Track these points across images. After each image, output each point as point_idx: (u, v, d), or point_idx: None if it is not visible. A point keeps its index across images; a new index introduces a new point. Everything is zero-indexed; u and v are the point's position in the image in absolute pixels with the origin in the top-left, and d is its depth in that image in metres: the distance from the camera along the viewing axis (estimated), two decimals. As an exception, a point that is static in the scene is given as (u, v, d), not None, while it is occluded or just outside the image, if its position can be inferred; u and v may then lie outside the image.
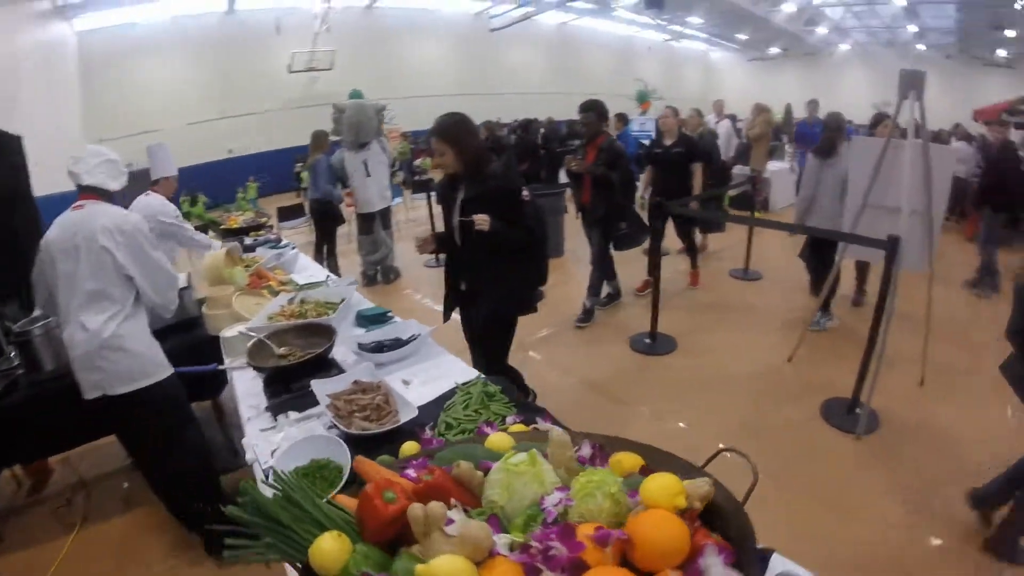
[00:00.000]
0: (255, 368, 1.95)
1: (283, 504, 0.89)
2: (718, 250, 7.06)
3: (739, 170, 8.61)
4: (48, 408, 2.39)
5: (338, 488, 1.30)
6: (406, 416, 1.62)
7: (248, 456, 1.59)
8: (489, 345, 2.76)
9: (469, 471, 0.97)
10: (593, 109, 4.57)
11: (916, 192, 3.44)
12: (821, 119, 6.59)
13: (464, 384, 1.84)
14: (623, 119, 8.74)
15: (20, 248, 2.96)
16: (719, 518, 0.85)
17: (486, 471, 0.98)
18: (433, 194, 9.26)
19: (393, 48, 16.54)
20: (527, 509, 0.88)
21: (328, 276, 3.48)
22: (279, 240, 4.60)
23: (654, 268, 4.47)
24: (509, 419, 1.52)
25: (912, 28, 17.85)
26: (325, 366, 2.01)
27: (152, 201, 3.48)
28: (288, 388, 1.87)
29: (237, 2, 13.32)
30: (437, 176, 4.16)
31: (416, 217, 9.31)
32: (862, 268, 5.09)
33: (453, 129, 2.46)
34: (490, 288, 2.62)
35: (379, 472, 1.04)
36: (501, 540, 0.81)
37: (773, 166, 8.93)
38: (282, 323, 2.35)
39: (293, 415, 1.71)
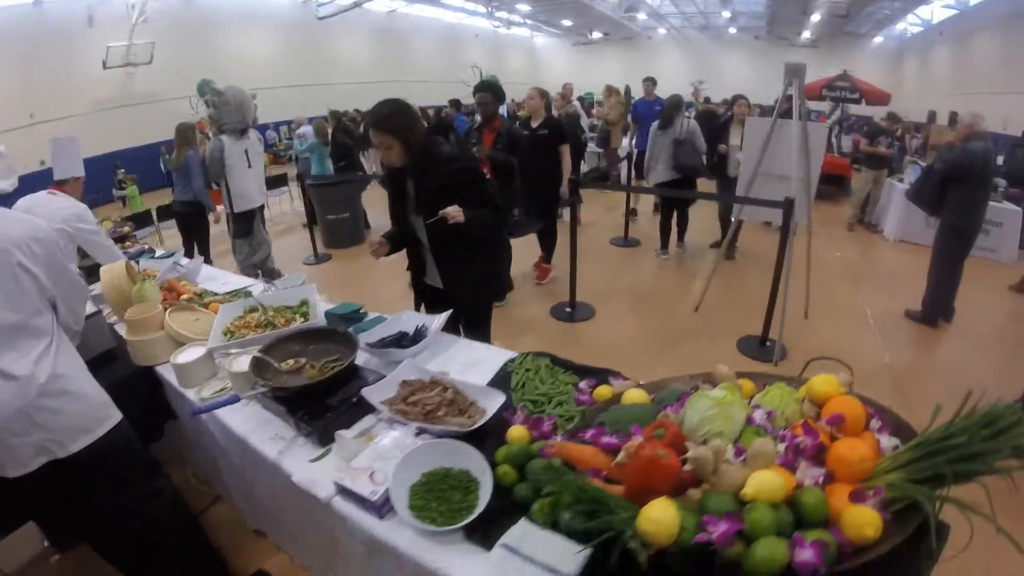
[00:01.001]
0: (278, 390, 1.59)
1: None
2: (591, 223, 7.45)
3: (591, 150, 9.11)
4: None
5: (477, 492, 1.22)
6: (494, 404, 1.47)
7: (321, 494, 1.31)
8: (474, 328, 2.55)
9: (675, 420, 1.14)
10: (489, 90, 4.36)
11: (801, 161, 4.03)
12: (660, 97, 7.09)
13: (514, 362, 1.80)
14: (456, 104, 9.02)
15: None
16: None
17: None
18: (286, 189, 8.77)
19: (216, 40, 15.02)
20: (739, 430, 1.07)
21: (256, 281, 3.06)
22: (152, 250, 3.94)
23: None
24: (583, 384, 1.57)
25: (725, 14, 19.89)
26: (351, 375, 1.69)
27: (66, 204, 2.87)
28: (327, 405, 1.54)
29: None
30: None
31: (276, 215, 8.70)
32: (736, 226, 5.60)
33: (397, 119, 2.17)
34: (470, 279, 2.42)
35: (579, 450, 1.12)
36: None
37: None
38: (252, 336, 1.99)
39: (347, 435, 1.42)
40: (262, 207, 5.12)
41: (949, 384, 3.55)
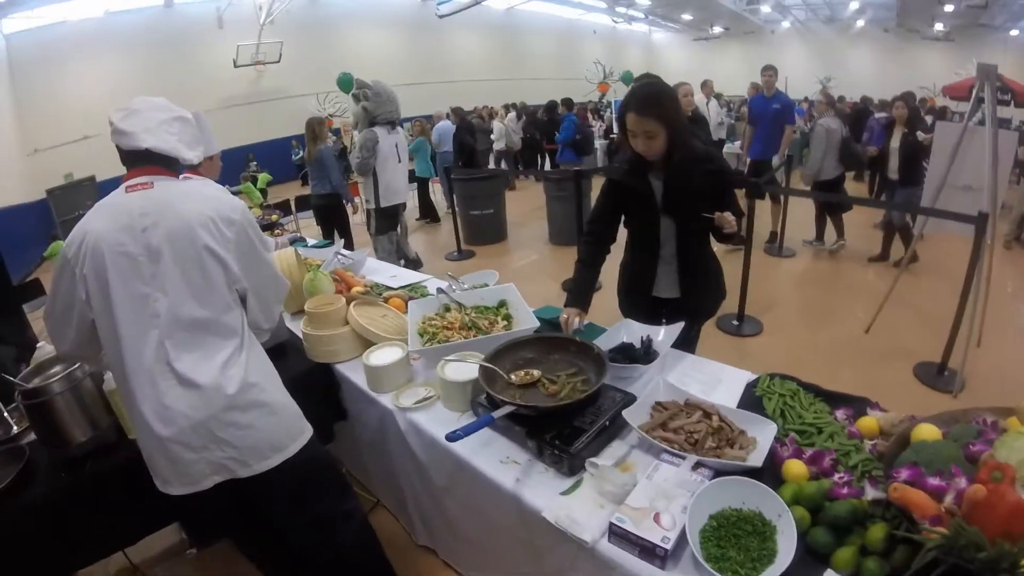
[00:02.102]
0: (531, 408, 1.40)
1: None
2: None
3: (728, 148, 8.66)
4: (87, 499, 1.58)
5: (775, 538, 1.06)
6: (766, 434, 1.28)
7: (586, 536, 1.12)
8: (692, 342, 2.28)
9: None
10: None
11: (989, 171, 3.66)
12: (781, 92, 6.27)
13: (759, 385, 1.60)
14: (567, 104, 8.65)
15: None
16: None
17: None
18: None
19: (339, 38, 15.77)
20: None
21: (432, 276, 2.95)
22: (303, 238, 4.00)
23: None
24: (839, 413, 1.44)
25: (853, 5, 18.58)
26: (598, 396, 1.47)
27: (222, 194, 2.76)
28: (576, 428, 1.34)
29: None
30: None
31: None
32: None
33: (668, 103, 1.85)
34: (708, 287, 2.20)
35: (915, 495, 0.99)
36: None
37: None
38: (458, 341, 1.85)
39: (603, 461, 1.25)
40: (404, 205, 5.09)
41: None
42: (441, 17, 16.19)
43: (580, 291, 2.04)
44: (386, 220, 4.83)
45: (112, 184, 1.52)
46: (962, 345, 3.46)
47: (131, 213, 1.31)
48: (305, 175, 8.64)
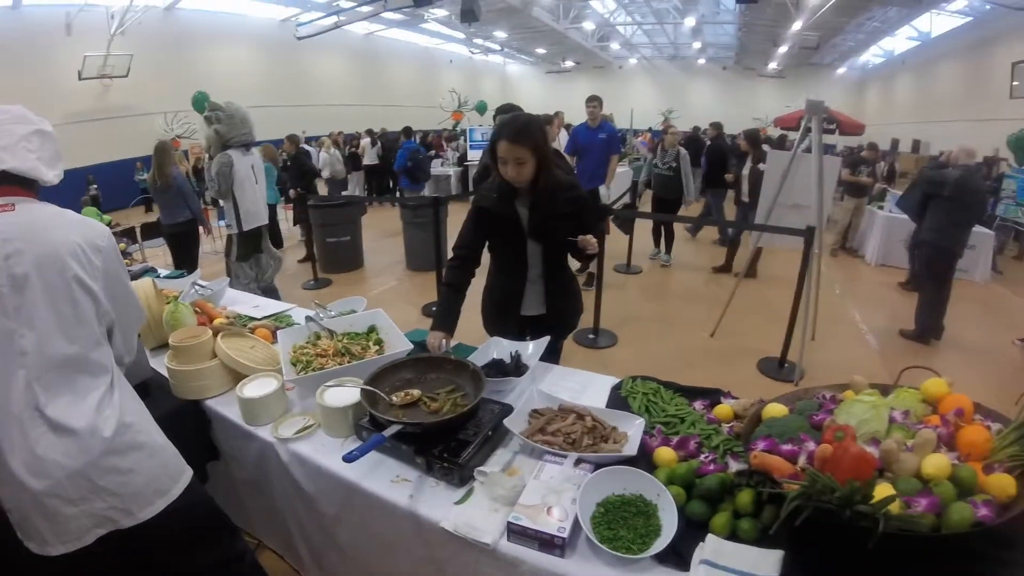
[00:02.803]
0: (414, 426, 1.42)
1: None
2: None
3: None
4: None
5: (658, 515, 1.19)
6: (636, 430, 1.42)
7: (486, 539, 1.16)
8: (555, 353, 2.41)
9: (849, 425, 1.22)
10: (511, 112, 4.37)
11: (815, 191, 4.22)
12: (608, 123, 6.26)
13: (622, 387, 1.78)
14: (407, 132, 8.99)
15: None
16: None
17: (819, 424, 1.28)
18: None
19: (194, 55, 14.75)
20: (886, 426, 1.22)
21: (292, 305, 2.85)
22: (154, 268, 3.69)
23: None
24: (696, 404, 1.64)
25: (696, 45, 20.74)
26: (479, 408, 1.53)
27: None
28: (461, 441, 1.39)
29: None
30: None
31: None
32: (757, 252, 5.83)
33: (537, 132, 1.97)
34: (569, 303, 2.36)
35: (773, 459, 1.16)
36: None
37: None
38: (331, 368, 1.82)
39: (490, 472, 1.29)
40: (267, 226, 4.90)
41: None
42: (300, 39, 15.78)
43: (446, 314, 2.09)
44: (247, 244, 4.64)
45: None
46: (798, 340, 3.99)
47: None
48: (149, 200, 7.93)
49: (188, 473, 1.42)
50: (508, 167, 1.96)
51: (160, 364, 2.01)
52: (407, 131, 8.98)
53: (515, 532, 1.15)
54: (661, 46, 22.43)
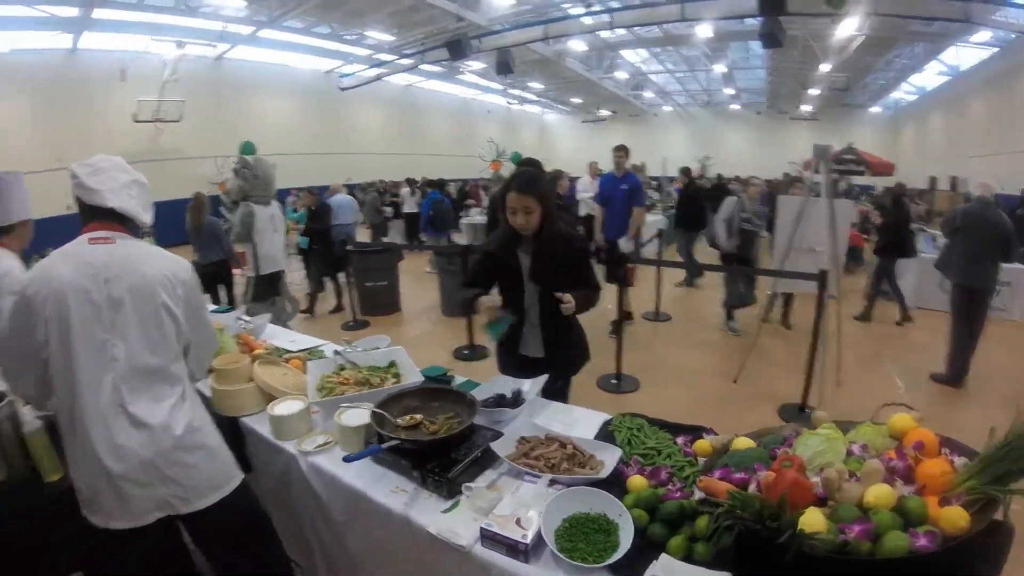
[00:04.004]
0: (410, 443, 1.64)
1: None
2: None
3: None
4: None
5: (619, 532, 1.31)
6: (612, 457, 1.57)
7: (461, 542, 1.34)
8: (561, 395, 2.56)
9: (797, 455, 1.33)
10: (533, 165, 4.36)
11: (830, 235, 4.28)
12: (632, 173, 6.17)
13: (612, 423, 1.91)
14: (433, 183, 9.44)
15: None
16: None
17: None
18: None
19: (242, 103, 15.75)
20: (844, 459, 1.30)
21: (328, 341, 3.11)
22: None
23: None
24: (679, 439, 1.76)
25: (728, 91, 21.00)
26: (473, 432, 1.75)
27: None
28: (452, 459, 1.58)
29: (81, 40, 11.76)
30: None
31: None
32: (785, 299, 5.96)
33: (543, 184, 2.22)
34: (570, 348, 2.49)
35: (719, 485, 1.29)
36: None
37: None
38: (351, 394, 2.06)
39: (475, 486, 1.48)
40: (283, 271, 5.42)
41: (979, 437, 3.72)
42: (343, 90, 16.67)
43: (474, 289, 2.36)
44: (264, 287, 5.17)
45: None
46: (820, 386, 4.01)
47: (95, 264, 1.45)
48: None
49: (240, 476, 1.68)
50: (517, 216, 2.19)
51: (204, 386, 2.27)
52: (433, 182, 9.44)
53: (486, 537, 1.32)
54: (694, 93, 22.84)
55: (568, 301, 2.17)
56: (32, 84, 11.45)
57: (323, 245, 6.84)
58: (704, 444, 1.68)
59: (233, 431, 2.16)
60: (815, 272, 3.88)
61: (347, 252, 6.73)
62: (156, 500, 1.47)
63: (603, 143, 26.32)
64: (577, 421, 1.94)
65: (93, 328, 1.43)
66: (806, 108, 20.85)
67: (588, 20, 12.55)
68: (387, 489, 1.60)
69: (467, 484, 1.49)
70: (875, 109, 21.91)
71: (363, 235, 10.44)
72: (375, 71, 16.02)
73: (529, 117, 29.44)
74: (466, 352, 5.50)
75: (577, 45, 15.46)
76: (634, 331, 6.17)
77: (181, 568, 1.81)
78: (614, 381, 4.73)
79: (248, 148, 6.28)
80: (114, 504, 1.44)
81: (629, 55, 17.93)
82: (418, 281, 8.67)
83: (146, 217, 1.63)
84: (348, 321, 6.68)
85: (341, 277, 7.10)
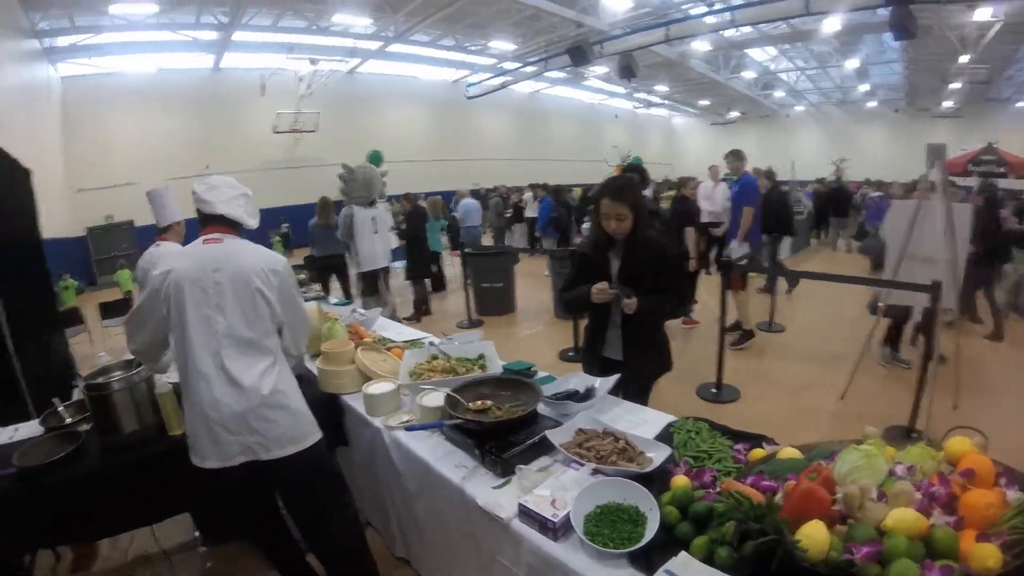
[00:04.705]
0: (474, 423, 1.84)
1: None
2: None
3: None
4: (125, 476, 2.00)
5: (647, 524, 1.36)
6: (660, 455, 1.64)
7: (502, 514, 1.50)
8: (637, 399, 2.56)
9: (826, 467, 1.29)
10: (636, 170, 4.58)
11: (947, 243, 3.91)
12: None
13: (675, 424, 1.95)
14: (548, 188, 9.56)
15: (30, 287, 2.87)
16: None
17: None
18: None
19: (373, 113, 16.97)
20: (885, 479, 1.22)
21: (427, 335, 3.39)
22: (326, 296, 4.53)
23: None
24: (739, 446, 1.73)
25: (863, 87, 19.53)
26: (531, 419, 1.91)
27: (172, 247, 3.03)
28: (510, 442, 1.75)
29: (223, 60, 13.42)
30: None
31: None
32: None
33: (636, 193, 2.31)
34: (648, 355, 2.54)
35: (744, 489, 1.29)
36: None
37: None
38: (438, 379, 2.29)
39: (529, 468, 1.63)
40: (386, 269, 5.91)
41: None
42: (470, 98, 17.38)
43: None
44: (367, 282, 5.71)
45: (149, 229, 2.59)
46: (927, 408, 3.67)
47: (206, 258, 1.83)
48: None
49: (317, 435, 1.97)
50: (610, 222, 2.31)
51: (314, 366, 2.65)
52: (548, 188, 9.73)
53: (522, 512, 1.46)
54: (828, 91, 21.33)
55: (629, 305, 2.26)
56: (180, 100, 13.19)
57: (415, 251, 7.18)
58: (759, 453, 1.67)
59: (334, 407, 2.51)
60: (928, 283, 3.55)
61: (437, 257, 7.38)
62: (242, 446, 1.79)
63: (733, 145, 25.25)
64: (644, 421, 2.01)
65: (202, 307, 1.78)
66: (948, 104, 18.77)
67: (710, 19, 12.21)
68: (452, 464, 1.80)
69: (520, 465, 1.63)
70: (1021, 103, 19.20)
71: (487, 239, 10.92)
72: (500, 79, 16.62)
73: (656, 121, 28.94)
74: (570, 354, 5.59)
75: (701, 45, 15.09)
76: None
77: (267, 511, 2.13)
78: (714, 390, 4.64)
79: (376, 156, 6.85)
80: (209, 447, 1.78)
81: (756, 54, 17.14)
82: (535, 284, 8.86)
83: (252, 223, 1.99)
84: (463, 320, 7.01)
85: (429, 284, 7.55)
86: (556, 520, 1.38)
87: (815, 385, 4.86)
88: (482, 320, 7.08)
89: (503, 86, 16.57)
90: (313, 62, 13.75)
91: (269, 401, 1.81)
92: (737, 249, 5.80)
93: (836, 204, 11.65)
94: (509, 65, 16.01)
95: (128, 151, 12.37)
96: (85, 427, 2.18)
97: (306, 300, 3.70)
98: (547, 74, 16.57)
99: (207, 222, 1.92)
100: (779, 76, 19.18)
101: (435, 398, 2.07)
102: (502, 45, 15.14)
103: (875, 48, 15.97)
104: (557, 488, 1.49)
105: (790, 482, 1.26)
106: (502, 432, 1.81)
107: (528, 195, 12.10)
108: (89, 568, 2.72)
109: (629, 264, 2.38)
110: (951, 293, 3.89)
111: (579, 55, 12.40)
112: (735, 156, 5.86)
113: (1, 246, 3.12)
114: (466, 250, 7.29)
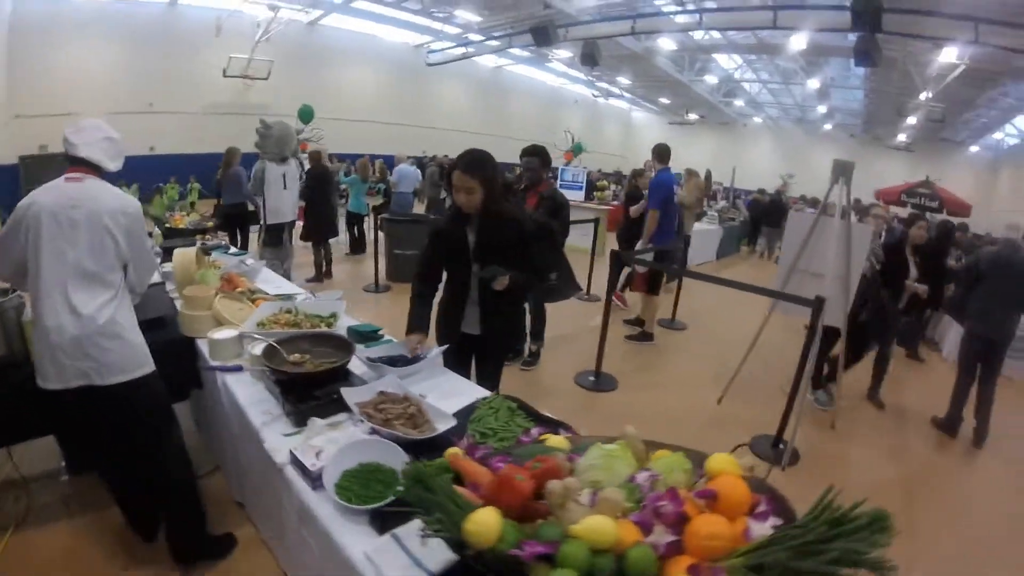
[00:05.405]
0: (276, 372, 1.91)
1: (424, 490, 1.02)
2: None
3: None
4: None
5: (395, 487, 1.37)
6: (445, 425, 1.71)
7: (278, 459, 1.58)
8: (490, 374, 2.70)
9: (564, 461, 1.19)
10: (537, 154, 4.48)
11: (840, 261, 3.97)
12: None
13: (484, 400, 1.97)
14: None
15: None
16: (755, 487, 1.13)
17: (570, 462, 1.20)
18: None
19: (329, 68, 16.56)
20: (622, 485, 1.12)
21: (303, 291, 3.41)
22: (227, 246, 4.45)
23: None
24: (534, 430, 1.63)
25: (822, 108, 20.04)
26: (343, 377, 2.01)
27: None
28: (312, 395, 1.84)
29: None
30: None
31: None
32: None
33: (486, 166, 2.31)
34: (505, 330, 2.62)
35: (472, 466, 1.23)
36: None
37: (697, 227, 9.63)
38: (280, 331, 2.33)
39: (319, 421, 1.70)
40: (292, 223, 6.13)
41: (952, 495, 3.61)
42: (430, 65, 17.11)
43: (417, 319, 2.48)
44: (270, 235, 5.89)
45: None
46: (796, 420, 3.69)
47: (65, 196, 1.94)
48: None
49: (149, 368, 2.07)
50: (460, 194, 2.31)
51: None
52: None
53: (292, 459, 1.55)
54: (787, 107, 21.84)
55: (502, 283, 2.31)
56: (132, 33, 12.59)
57: (314, 211, 7.03)
58: (553, 440, 1.56)
59: (190, 349, 2.55)
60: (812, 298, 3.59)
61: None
62: (78, 370, 1.90)
63: (689, 146, 25.91)
64: (458, 393, 2.08)
65: (56, 239, 1.90)
66: (901, 138, 19.59)
67: (680, 19, 12.29)
68: (261, 410, 1.89)
69: (314, 418, 1.71)
70: (974, 148, 20.33)
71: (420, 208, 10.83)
72: (462, 50, 16.36)
73: (616, 112, 29.06)
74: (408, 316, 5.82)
75: (667, 44, 15.16)
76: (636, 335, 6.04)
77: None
78: (592, 378, 4.70)
79: (306, 112, 6.75)
80: (51, 369, 1.90)
81: (722, 60, 17.40)
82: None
83: (111, 165, 2.11)
84: (369, 284, 6.96)
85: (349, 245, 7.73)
86: (314, 470, 1.46)
87: (698, 385, 4.93)
88: (390, 286, 7.04)
89: (464, 57, 16.38)
90: (273, 8, 13.28)
91: (104, 330, 1.92)
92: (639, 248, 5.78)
93: (770, 215, 12.07)
94: (474, 37, 15.80)
95: (72, 81, 11.77)
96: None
97: (206, 249, 3.78)
98: (512, 51, 16.45)
99: (72, 162, 2.04)
100: (742, 85, 19.52)
101: (228, 334, 2.24)
102: (468, 15, 14.88)
103: (840, 71, 16.26)
104: (329, 442, 1.57)
105: (505, 466, 1.21)
106: (307, 385, 1.89)
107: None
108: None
109: (483, 237, 2.39)
110: (838, 311, 4.01)
111: (543, 36, 12.33)
112: (655, 153, 5.82)
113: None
114: (382, 215, 7.37)
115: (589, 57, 12.84)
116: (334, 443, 1.55)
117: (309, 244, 7.10)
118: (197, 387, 2.59)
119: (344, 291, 5.97)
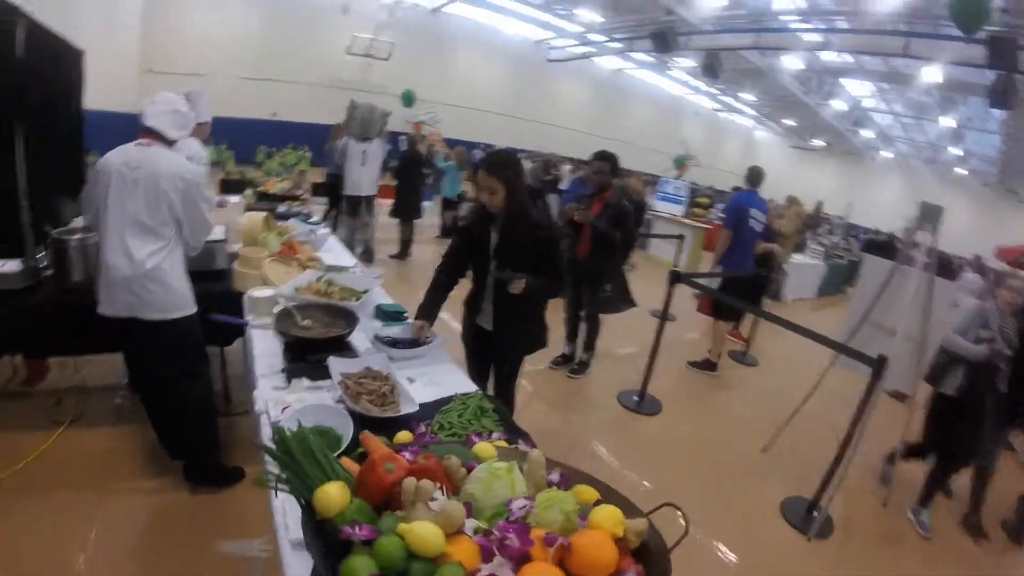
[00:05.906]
0: (281, 333, 2.15)
1: (302, 451, 1.11)
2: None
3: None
4: (67, 313, 2.59)
5: (337, 453, 1.46)
6: (407, 409, 1.80)
7: (257, 407, 1.78)
8: (505, 375, 2.79)
9: (456, 465, 1.17)
10: (607, 159, 4.39)
11: (915, 319, 3.60)
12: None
13: (463, 395, 2.00)
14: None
15: (61, 157, 3.30)
16: (646, 557, 1.02)
17: (469, 470, 1.18)
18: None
19: (450, 55, 17.02)
20: (497, 506, 1.08)
21: (356, 264, 3.64)
22: (310, 215, 4.79)
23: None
24: (495, 434, 1.63)
25: (955, 151, 18.26)
26: (342, 347, 2.19)
27: (191, 144, 3.54)
28: (304, 358, 2.04)
29: None
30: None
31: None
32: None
33: (510, 168, 2.38)
34: (518, 334, 2.67)
35: (380, 448, 1.22)
36: (469, 524, 1.02)
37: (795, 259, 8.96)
38: (309, 298, 2.56)
39: (306, 382, 1.89)
40: (370, 197, 6.71)
41: None
42: (550, 61, 17.21)
43: (428, 306, 2.58)
44: (349, 204, 6.55)
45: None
46: (836, 487, 3.31)
47: (132, 157, 2.30)
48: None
49: (188, 310, 2.43)
50: (483, 193, 2.38)
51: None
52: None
53: (264, 408, 1.75)
54: (919, 145, 19.99)
55: (516, 286, 2.37)
56: (264, 4, 13.56)
57: (402, 191, 7.39)
58: (481, 446, 1.49)
59: (239, 302, 2.80)
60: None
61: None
62: (126, 304, 2.28)
63: (809, 172, 24.48)
64: (446, 384, 2.14)
65: (120, 193, 2.27)
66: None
67: (806, 37, 11.68)
68: (267, 363, 2.10)
69: (299, 379, 1.90)
70: None
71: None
72: (583, 49, 16.35)
73: (737, 128, 27.91)
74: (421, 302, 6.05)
75: (793, 62, 14.40)
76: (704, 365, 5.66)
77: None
78: (635, 398, 4.50)
79: (408, 97, 7.21)
80: (105, 297, 2.30)
81: (853, 86, 16.26)
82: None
83: (174, 134, 2.45)
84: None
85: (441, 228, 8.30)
86: (274, 421, 1.65)
87: (747, 428, 4.48)
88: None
89: (585, 56, 16.35)
90: (400, -8, 13.99)
91: (150, 275, 2.28)
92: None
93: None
94: (595, 37, 15.73)
95: (203, 43, 12.80)
96: (50, 272, 2.74)
97: (277, 215, 4.21)
98: (633, 55, 16.21)
99: (143, 129, 2.40)
100: (871, 114, 18.13)
101: (266, 294, 2.54)
102: (589, 15, 14.81)
103: (977, 112, 14.58)
104: (299, 401, 1.76)
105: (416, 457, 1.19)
106: (304, 348, 2.12)
107: (567, 167, 12.01)
108: (32, 385, 3.33)
109: (505, 239, 2.47)
110: (907, 375, 3.66)
111: (662, 42, 12.14)
112: (746, 175, 5.43)
113: (41, 125, 3.24)
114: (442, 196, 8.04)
115: (710, 68, 12.53)
116: (302, 403, 1.72)
117: (397, 221, 7.51)
118: (240, 335, 2.84)
119: (418, 271, 6.35)
